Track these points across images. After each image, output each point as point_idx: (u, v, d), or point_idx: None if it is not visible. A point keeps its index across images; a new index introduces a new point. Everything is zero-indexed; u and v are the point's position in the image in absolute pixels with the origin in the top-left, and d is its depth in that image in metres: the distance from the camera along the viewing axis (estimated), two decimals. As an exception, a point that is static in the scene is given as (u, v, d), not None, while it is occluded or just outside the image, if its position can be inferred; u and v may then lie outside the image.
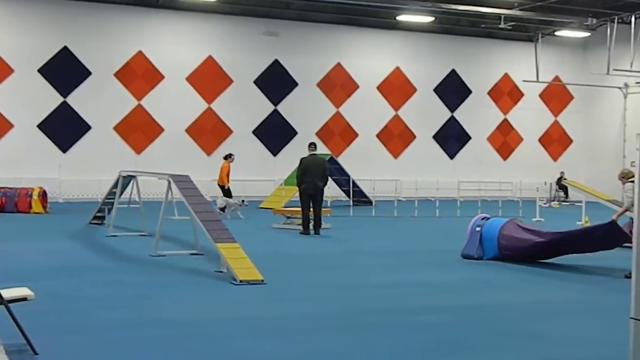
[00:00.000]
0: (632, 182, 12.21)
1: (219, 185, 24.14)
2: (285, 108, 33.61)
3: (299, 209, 19.17)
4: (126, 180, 18.30)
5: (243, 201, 23.27)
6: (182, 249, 14.80)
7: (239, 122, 32.68)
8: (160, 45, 31.52)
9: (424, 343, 7.99)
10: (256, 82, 33.13)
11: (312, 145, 19.18)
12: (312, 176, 18.24)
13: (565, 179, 33.26)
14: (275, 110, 33.47)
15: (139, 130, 31.15)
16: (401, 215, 24.72)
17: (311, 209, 18.52)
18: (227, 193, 23.65)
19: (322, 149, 32.60)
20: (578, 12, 32.22)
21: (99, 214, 19.67)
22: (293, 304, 10.05)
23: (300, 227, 18.96)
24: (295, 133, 33.63)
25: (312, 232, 18.52)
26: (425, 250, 16.18)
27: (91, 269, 12.76)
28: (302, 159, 18.72)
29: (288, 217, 20.82)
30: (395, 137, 35.55)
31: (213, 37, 32.46)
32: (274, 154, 32.83)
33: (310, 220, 18.53)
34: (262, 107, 33.26)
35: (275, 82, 33.35)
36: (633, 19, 31.39)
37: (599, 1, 31.48)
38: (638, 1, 30.62)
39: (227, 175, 23.78)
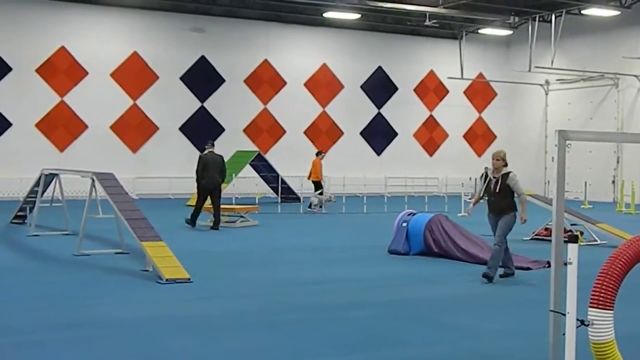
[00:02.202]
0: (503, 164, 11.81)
1: (313, 181, 25.75)
2: (212, 104, 33.37)
3: (227, 206, 19.67)
4: (49, 178, 17.91)
5: (331, 197, 25.82)
6: (107, 248, 14.57)
7: (165, 119, 32.31)
8: (84, 41, 30.91)
9: (352, 338, 8.01)
10: (182, 78, 32.80)
11: (210, 143, 19.99)
12: (212, 172, 19.04)
13: (489, 175, 33.79)
14: (202, 107, 33.21)
15: (62, 127, 30.52)
16: (329, 212, 24.79)
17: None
18: (317, 187, 25.27)
19: (249, 146, 32.55)
20: (501, 10, 32.80)
21: (20, 213, 19.18)
22: (220, 301, 9.98)
23: (227, 224, 19.31)
24: (222, 130, 33.41)
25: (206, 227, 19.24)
26: (352, 246, 16.25)
27: (12, 269, 12.47)
28: (200, 156, 19.46)
29: (215, 215, 20.67)
30: (323, 134, 35.64)
31: (138, 33, 31.99)
32: (201, 150, 32.40)
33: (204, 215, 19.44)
34: (189, 104, 32.95)
35: (202, 78, 33.08)
36: (553, 17, 32.09)
37: (521, 0, 32.09)
38: (558, 1, 31.33)
39: (319, 171, 25.59)
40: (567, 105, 36.44)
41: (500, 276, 11.89)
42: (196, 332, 8.20)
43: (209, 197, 19.29)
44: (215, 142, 32.64)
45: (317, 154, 26.56)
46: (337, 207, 25.70)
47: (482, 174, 12.14)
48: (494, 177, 11.83)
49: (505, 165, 11.93)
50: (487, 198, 11.97)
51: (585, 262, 6.86)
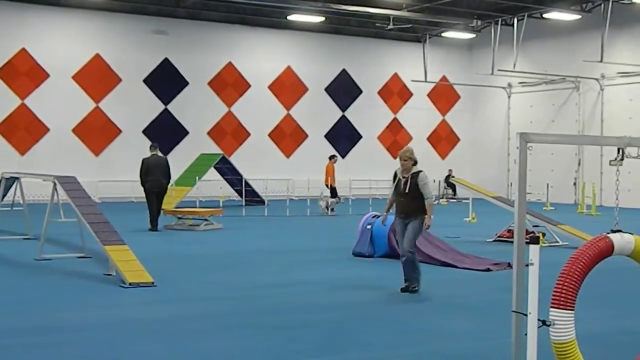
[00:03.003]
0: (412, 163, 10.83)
1: (326, 185, 25.90)
2: (176, 107, 33.22)
3: (191, 209, 19.97)
4: (9, 182, 17.69)
5: (340, 199, 26.10)
6: (69, 252, 14.41)
7: (128, 122, 32.10)
8: (45, 43, 30.62)
9: (318, 340, 8.01)
10: (146, 80, 32.63)
11: (153, 147, 20.04)
12: (155, 175, 19.21)
13: (452, 177, 34.05)
14: (166, 110, 33.05)
15: (22, 130, 30.19)
16: (294, 215, 24.79)
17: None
18: (333, 193, 25.38)
19: (214, 149, 32.44)
20: (464, 14, 33.07)
21: (-20, 218, 18.93)
22: (184, 305, 9.92)
23: (191, 227, 19.45)
24: (186, 133, 33.28)
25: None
26: (317, 249, 16.26)
27: (-28, 274, 12.28)
28: (143, 160, 19.49)
29: (179, 218, 20.59)
30: (287, 137, 35.64)
31: (100, 35, 31.76)
32: (165, 154, 32.11)
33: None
34: (152, 107, 32.78)
35: (166, 81, 32.92)
36: (516, 21, 32.42)
37: (484, 4, 32.38)
38: (520, 4, 31.65)
39: (333, 176, 25.63)
40: (530, 107, 36.84)
41: (402, 290, 10.83)
42: (160, 336, 8.15)
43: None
44: (180, 145, 32.86)
45: (329, 158, 26.67)
46: (301, 209, 25.70)
47: (393, 175, 11.22)
48: (404, 177, 10.93)
49: (415, 164, 10.99)
50: (396, 199, 11.04)
51: (547, 263, 6.93)
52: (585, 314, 6.84)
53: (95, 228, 12.35)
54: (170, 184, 20.61)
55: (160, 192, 19.41)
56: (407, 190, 10.81)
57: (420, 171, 10.93)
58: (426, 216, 10.77)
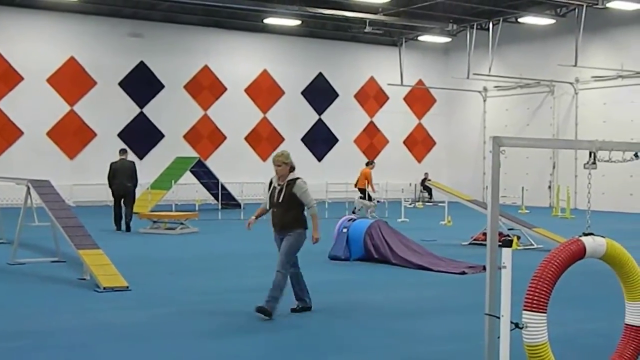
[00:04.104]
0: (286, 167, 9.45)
1: (358, 189, 26.37)
2: (152, 110, 33.08)
3: (167, 213, 20.39)
4: (-18, 185, 17.56)
5: (377, 201, 26.70)
6: (43, 257, 14.30)
7: (103, 125, 31.92)
8: (19, 46, 30.38)
9: (291, 344, 8.00)
10: (121, 84, 32.46)
11: (122, 152, 20.95)
12: (121, 179, 20.11)
13: (429, 180, 34.11)
14: (142, 113, 32.89)
15: (-4, 133, 29.97)
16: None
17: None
18: (367, 196, 25.85)
19: (190, 152, 32.33)
20: (440, 18, 33.19)
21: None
22: (159, 309, 9.87)
23: (166, 231, 19.72)
24: (162, 136, 33.16)
25: (123, 228, 20.18)
26: (293, 252, 16.21)
27: (-56, 279, 12.15)
28: (110, 164, 20.45)
29: (155, 222, 20.51)
30: (264, 140, 35.60)
31: (75, 38, 31.56)
32: (141, 157, 32.12)
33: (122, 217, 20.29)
34: (128, 110, 32.61)
35: (141, 84, 32.77)
36: (491, 25, 32.61)
37: (459, 8, 32.52)
38: (495, 9, 31.83)
39: (371, 181, 26.04)
40: (505, 111, 37.04)
41: (293, 310, 9.57)
42: (134, 340, 8.11)
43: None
44: (155, 149, 32.72)
45: (367, 164, 27.25)
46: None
47: (269, 182, 9.80)
48: (279, 185, 9.52)
49: (292, 170, 9.56)
50: (271, 210, 9.70)
51: (521, 266, 6.99)
52: (557, 317, 6.89)
53: (69, 232, 12.28)
54: (141, 187, 21.13)
55: (125, 196, 20.19)
56: (281, 200, 9.42)
57: (298, 178, 9.49)
58: (312, 227, 9.50)
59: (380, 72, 38.32)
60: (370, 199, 25.88)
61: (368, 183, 25.82)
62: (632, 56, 31.09)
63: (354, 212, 25.42)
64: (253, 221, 9.89)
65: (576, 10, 29.41)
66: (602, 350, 6.80)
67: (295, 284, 9.64)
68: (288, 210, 9.38)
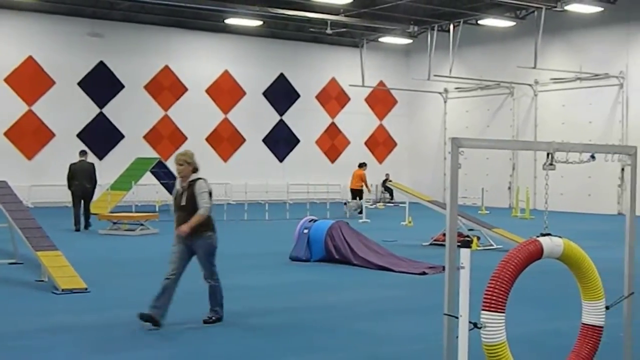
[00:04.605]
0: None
1: (352, 190, 27.89)
2: (111, 111, 32.80)
3: (127, 214, 20.70)
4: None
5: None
6: (0, 259, 14.08)
7: (62, 126, 31.57)
8: (-24, 45, 29.97)
9: (252, 346, 7.98)
10: (80, 84, 32.15)
11: (82, 153, 21.39)
12: (80, 180, 20.52)
13: (390, 181, 34.23)
14: (101, 113, 32.60)
15: (-48, 133, 29.51)
16: (231, 219, 24.65)
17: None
18: (359, 196, 27.24)
19: (150, 153, 32.09)
20: (401, 19, 33.34)
21: None
22: (118, 311, 9.78)
23: (126, 232, 19.80)
24: (122, 136, 32.89)
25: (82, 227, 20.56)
26: (254, 253, 16.20)
27: None
28: (70, 165, 20.82)
29: (114, 223, 20.34)
30: (225, 141, 35.47)
31: (33, 37, 31.17)
32: (100, 158, 31.81)
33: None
34: (87, 110, 32.29)
35: (101, 84, 32.48)
36: (452, 27, 32.84)
37: (420, 10, 32.69)
38: (456, 11, 32.06)
39: (366, 182, 28.08)
40: (465, 113, 37.33)
41: (205, 322, 8.98)
42: (94, 343, 8.03)
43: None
44: (115, 149, 32.44)
45: (359, 166, 28.77)
46: (238, 213, 25.59)
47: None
48: (182, 187, 8.97)
49: (195, 171, 9.03)
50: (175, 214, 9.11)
51: (481, 267, 7.04)
52: (516, 316, 6.96)
53: (27, 233, 12.14)
54: (100, 188, 21.34)
55: (84, 196, 20.57)
56: (184, 203, 8.83)
57: (200, 178, 8.95)
58: (189, 222, 8.69)
59: (341, 73, 38.40)
60: (361, 197, 26.99)
61: (364, 184, 27.30)
62: (590, 58, 31.51)
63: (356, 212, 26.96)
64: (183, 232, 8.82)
65: (535, 12, 29.74)
66: (560, 350, 6.87)
67: (166, 291, 8.78)
68: (192, 213, 8.73)
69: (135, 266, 14.15)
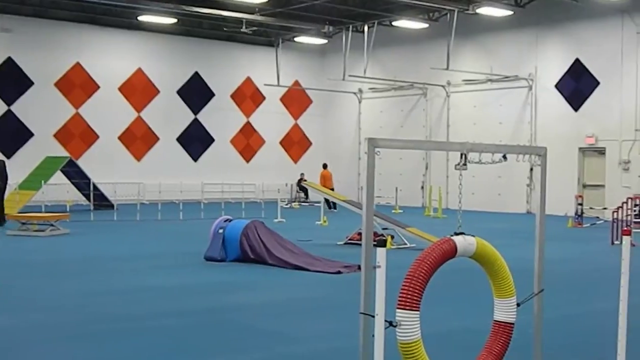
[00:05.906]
0: None
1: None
2: (20, 108, 31.95)
3: (36, 214, 19.94)
4: None
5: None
6: None
7: (-32, 123, 30.62)
8: None
9: (165, 347, 7.87)
10: (-13, 80, 31.23)
11: None
12: None
13: (305, 180, 34.34)
14: (9, 111, 31.73)
15: None
16: (144, 219, 24.34)
17: None
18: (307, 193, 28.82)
19: (60, 152, 31.39)
20: (316, 19, 33.47)
21: None
22: (27, 314, 9.52)
23: (36, 233, 19.21)
24: (31, 134, 32.07)
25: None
26: (168, 254, 16.00)
27: None
28: None
29: (23, 223, 19.80)
30: (138, 139, 34.96)
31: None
32: (8, 156, 30.93)
33: None
34: (-6, 107, 31.41)
35: (9, 81, 31.63)
36: (366, 28, 33.12)
37: (335, 10, 32.88)
38: (371, 12, 32.36)
39: (330, 180, 30.59)
40: (380, 113, 37.70)
41: None
42: (1, 347, 7.79)
43: None
44: (24, 147, 31.64)
45: (324, 167, 31.17)
46: (152, 213, 25.26)
47: None
48: None
49: None
50: None
51: (395, 265, 7.08)
52: (430, 314, 7.05)
53: None
54: (9, 187, 20.97)
55: None
56: None
57: None
58: None
59: (256, 72, 38.32)
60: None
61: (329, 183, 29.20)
62: (500, 60, 32.22)
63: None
64: None
65: (448, 15, 30.23)
66: (473, 346, 6.98)
67: None
68: None
69: (45, 268, 13.80)
